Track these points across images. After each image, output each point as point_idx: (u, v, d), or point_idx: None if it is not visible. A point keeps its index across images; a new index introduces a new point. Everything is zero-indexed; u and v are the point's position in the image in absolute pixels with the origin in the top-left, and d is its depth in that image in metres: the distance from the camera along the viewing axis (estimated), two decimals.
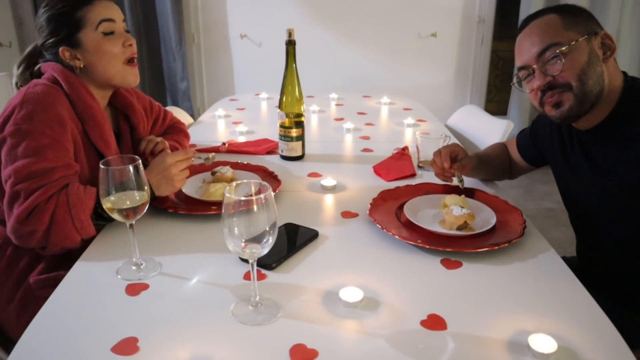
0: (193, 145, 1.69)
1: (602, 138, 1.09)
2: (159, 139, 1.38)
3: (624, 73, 1.09)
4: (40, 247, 1.03)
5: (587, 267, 0.94)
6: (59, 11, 1.15)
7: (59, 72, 1.15)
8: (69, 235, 1.01)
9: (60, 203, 1.00)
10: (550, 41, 1.04)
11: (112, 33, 1.18)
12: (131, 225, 0.93)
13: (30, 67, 1.23)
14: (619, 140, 1.06)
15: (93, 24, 1.16)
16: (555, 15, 1.06)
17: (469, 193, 1.25)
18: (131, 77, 1.23)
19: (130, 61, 1.22)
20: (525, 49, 1.08)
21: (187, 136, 1.60)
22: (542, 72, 1.05)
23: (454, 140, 1.78)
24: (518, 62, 1.11)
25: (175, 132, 1.55)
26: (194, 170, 1.39)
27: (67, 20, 1.15)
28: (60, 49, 1.16)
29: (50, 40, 1.17)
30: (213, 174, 1.33)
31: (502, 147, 1.45)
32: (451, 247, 1.00)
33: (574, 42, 1.02)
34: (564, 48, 1.02)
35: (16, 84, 1.23)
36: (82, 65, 1.18)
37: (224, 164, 1.40)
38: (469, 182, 1.38)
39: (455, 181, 1.26)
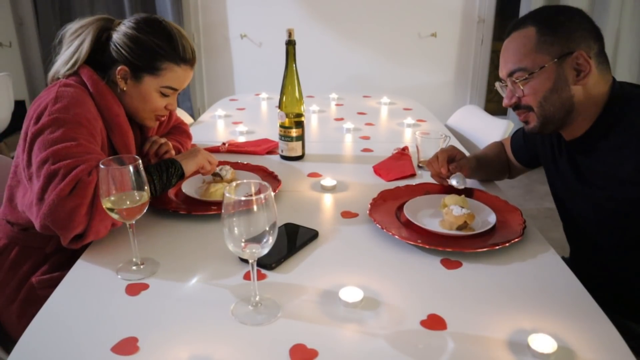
0: (193, 146, 1.69)
1: (586, 149, 1.09)
2: (163, 140, 1.38)
3: (613, 79, 1.07)
4: (77, 236, 0.97)
5: (581, 274, 0.94)
6: (152, 46, 1.15)
7: (89, 79, 1.15)
8: None
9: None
10: (517, 66, 1.05)
11: (167, 95, 1.22)
12: (131, 225, 0.94)
13: (99, 39, 1.18)
14: (602, 152, 1.05)
15: (161, 82, 1.18)
16: (534, 30, 1.03)
17: (469, 193, 1.25)
18: (149, 123, 1.28)
19: (159, 116, 1.26)
20: (501, 65, 1.10)
21: (189, 137, 1.60)
22: (511, 90, 1.09)
23: (454, 140, 1.78)
24: (499, 71, 1.14)
25: (179, 133, 1.55)
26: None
27: (150, 58, 1.15)
28: (121, 66, 1.16)
29: (122, 52, 1.15)
30: (215, 175, 1.33)
31: (500, 147, 1.45)
32: (451, 247, 1.00)
33: (537, 70, 1.02)
34: (527, 76, 1.03)
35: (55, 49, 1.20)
36: (123, 89, 1.18)
37: (224, 164, 1.40)
38: (468, 182, 1.38)
39: (452, 182, 1.25)
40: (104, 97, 1.15)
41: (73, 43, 1.18)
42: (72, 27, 1.19)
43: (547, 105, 1.04)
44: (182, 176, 1.21)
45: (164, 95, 1.21)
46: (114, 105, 1.17)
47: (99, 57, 1.18)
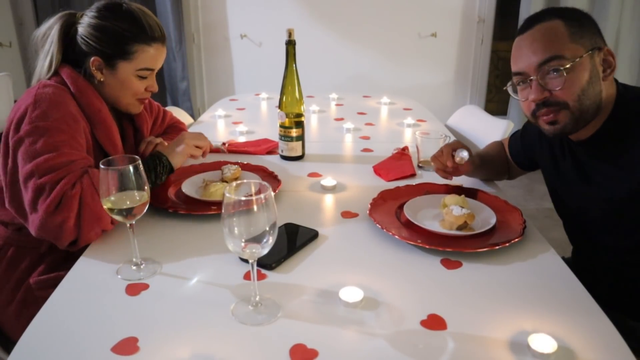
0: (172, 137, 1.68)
1: (594, 150, 1.07)
2: (159, 141, 1.39)
3: (616, 81, 1.06)
4: (71, 243, 1.02)
5: (582, 273, 0.94)
6: (118, 32, 1.14)
7: (69, 76, 1.15)
8: (100, 215, 1.01)
9: (85, 186, 1.01)
10: (554, 53, 0.97)
11: (144, 77, 1.21)
12: (131, 225, 0.94)
13: (65, 38, 1.18)
14: (611, 153, 1.04)
15: (136, 65, 1.18)
16: (561, 22, 0.99)
17: (470, 193, 1.25)
18: (134, 109, 1.27)
19: (142, 100, 1.25)
20: (525, 56, 1.01)
21: None
22: (541, 85, 0.99)
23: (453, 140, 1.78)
24: (514, 67, 1.04)
25: (175, 132, 1.55)
26: (196, 170, 1.40)
27: (119, 44, 1.15)
28: (94, 57, 1.16)
29: (91, 43, 1.15)
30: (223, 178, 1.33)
31: (500, 146, 1.44)
32: (451, 247, 1.00)
33: (578, 59, 0.97)
34: (567, 65, 0.96)
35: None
36: (101, 80, 1.18)
37: (225, 164, 1.40)
38: (469, 182, 1.38)
39: (459, 155, 1.20)
40: (84, 94, 1.15)
41: (44, 47, 1.19)
42: (40, 30, 1.19)
43: (584, 99, 0.98)
44: (171, 171, 1.23)
45: (141, 77, 1.20)
46: (95, 101, 1.17)
47: (71, 54, 1.18)
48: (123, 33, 1.14)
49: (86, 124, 1.15)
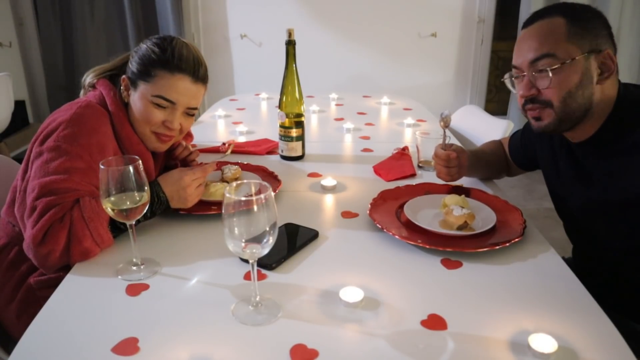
0: (194, 146, 1.69)
1: (593, 151, 1.07)
2: (193, 149, 1.43)
3: (619, 82, 1.06)
4: (60, 268, 1.00)
5: (583, 273, 0.94)
6: (148, 54, 1.14)
7: (112, 103, 1.16)
8: (90, 250, 0.99)
9: (75, 219, 0.98)
10: (545, 51, 0.99)
11: (162, 106, 1.16)
12: (131, 226, 0.94)
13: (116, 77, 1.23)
14: (610, 154, 1.04)
15: (152, 90, 1.14)
16: (563, 20, 0.99)
17: (470, 193, 1.25)
18: (150, 143, 1.21)
19: (159, 135, 1.20)
20: (522, 51, 1.03)
21: (191, 136, 1.62)
22: (531, 81, 1.02)
23: (454, 140, 1.78)
24: (513, 60, 1.07)
25: (185, 136, 1.57)
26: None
27: (145, 64, 1.14)
28: (124, 76, 1.18)
29: (128, 64, 1.18)
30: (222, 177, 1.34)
31: (497, 144, 1.44)
32: (451, 247, 1.00)
33: (569, 60, 0.98)
34: (556, 65, 0.98)
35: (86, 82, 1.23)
36: (127, 101, 1.19)
37: (224, 164, 1.40)
38: (469, 182, 1.38)
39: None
40: (123, 125, 1.16)
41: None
42: None
43: (570, 101, 0.99)
44: (167, 208, 1.13)
45: (157, 105, 1.15)
46: (133, 136, 1.18)
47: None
48: (150, 55, 1.14)
49: (118, 152, 1.15)
